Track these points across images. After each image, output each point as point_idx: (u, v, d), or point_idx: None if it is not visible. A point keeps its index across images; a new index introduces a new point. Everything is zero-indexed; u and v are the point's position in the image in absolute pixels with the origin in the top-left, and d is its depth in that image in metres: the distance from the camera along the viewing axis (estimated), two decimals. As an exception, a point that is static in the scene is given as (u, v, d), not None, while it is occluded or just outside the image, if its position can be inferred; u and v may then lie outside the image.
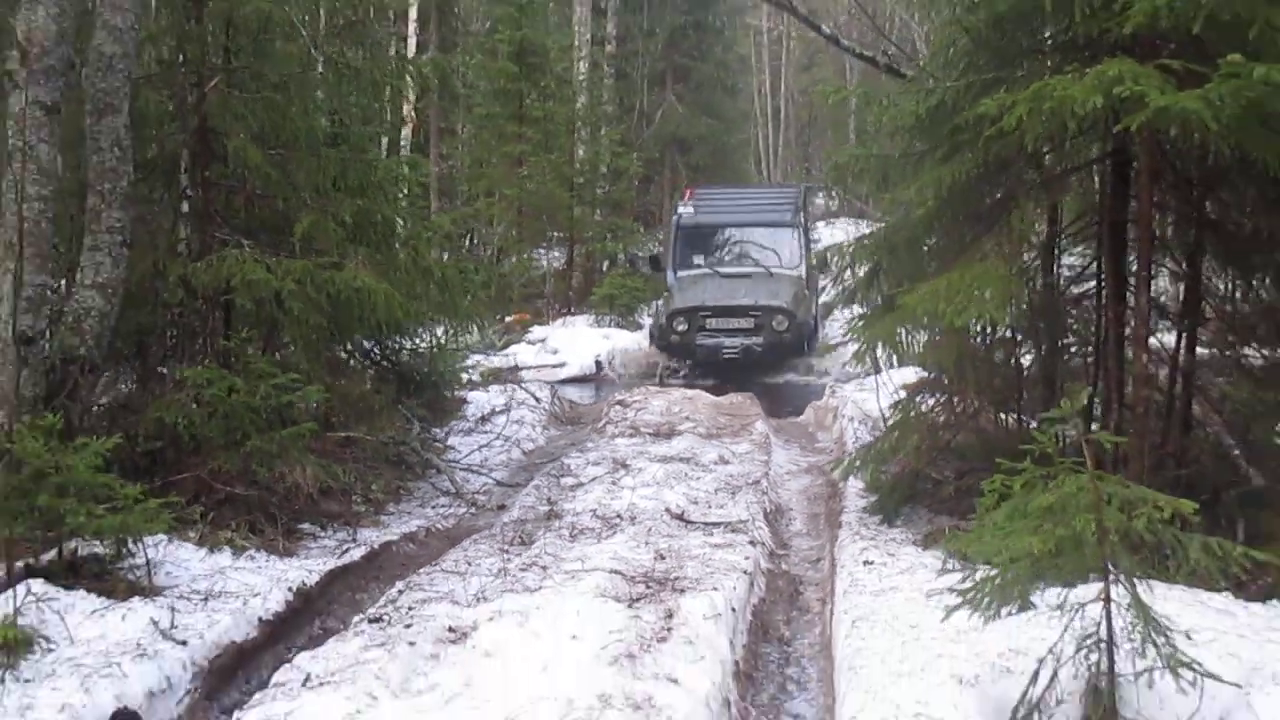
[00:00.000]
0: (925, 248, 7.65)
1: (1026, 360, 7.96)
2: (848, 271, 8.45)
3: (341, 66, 8.74)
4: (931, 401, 8.10)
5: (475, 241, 25.85)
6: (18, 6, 7.07)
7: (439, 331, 10.95)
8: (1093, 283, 7.56)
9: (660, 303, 19.06)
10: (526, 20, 23.00)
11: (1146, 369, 6.60)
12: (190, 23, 8.03)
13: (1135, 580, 3.85)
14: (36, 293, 6.92)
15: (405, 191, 10.80)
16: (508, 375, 14.28)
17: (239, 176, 8.24)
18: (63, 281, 8.10)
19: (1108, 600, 3.93)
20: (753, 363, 17.60)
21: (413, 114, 22.69)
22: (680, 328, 17.71)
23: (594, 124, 24.77)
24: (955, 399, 7.94)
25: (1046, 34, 7.06)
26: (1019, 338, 7.87)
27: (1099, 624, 4.06)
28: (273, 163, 8.11)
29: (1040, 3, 6.15)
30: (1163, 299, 8.29)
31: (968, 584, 4.24)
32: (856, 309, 8.50)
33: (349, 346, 9.23)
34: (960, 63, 7.28)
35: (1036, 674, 4.16)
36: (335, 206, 8.16)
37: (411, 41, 22.99)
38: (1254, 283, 7.63)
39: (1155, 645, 3.83)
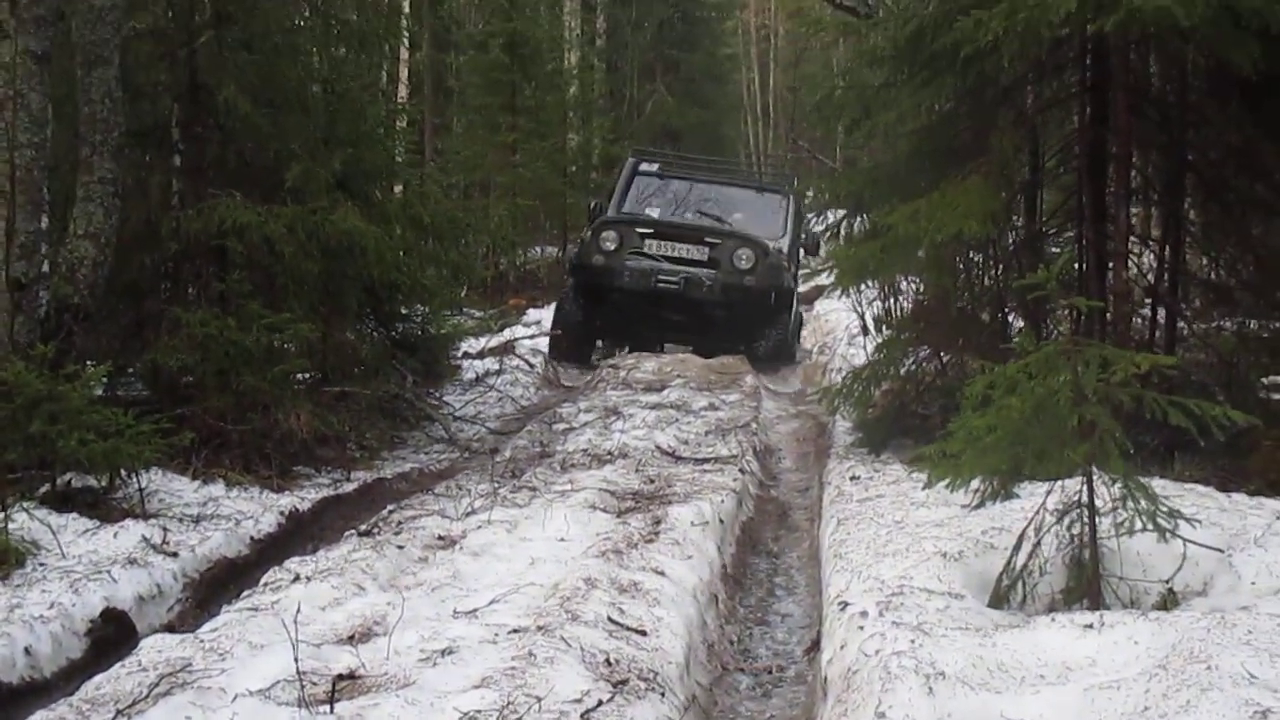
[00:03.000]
0: (907, 179, 7.57)
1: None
2: (829, 213, 8.42)
3: (332, 20, 8.66)
4: (917, 355, 8.00)
5: (470, 239, 25.75)
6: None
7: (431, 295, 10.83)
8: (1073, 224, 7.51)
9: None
10: (517, 13, 22.91)
11: (1127, 285, 6.55)
12: (178, -24, 7.94)
13: (1115, 438, 3.77)
14: (29, 239, 6.84)
15: (398, 143, 10.69)
16: (503, 349, 14.18)
17: (230, 130, 8.15)
18: (55, 233, 8.01)
19: (1089, 461, 3.85)
20: (699, 320, 13.03)
21: (406, 71, 22.52)
22: (606, 245, 12.98)
23: (586, 113, 24.72)
24: (941, 352, 7.85)
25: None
26: (1002, 285, 7.77)
27: (1080, 491, 3.99)
28: (263, 116, 8.02)
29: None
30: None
31: (948, 453, 4.17)
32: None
33: (343, 301, 9.13)
34: (934, -6, 7.22)
35: (1019, 544, 4.10)
36: (326, 156, 8.09)
37: None
38: (1235, 216, 7.57)
39: (1135, 503, 3.77)
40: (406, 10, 20.47)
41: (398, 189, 11.44)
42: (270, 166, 8.32)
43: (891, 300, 11.34)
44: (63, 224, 7.58)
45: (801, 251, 14.41)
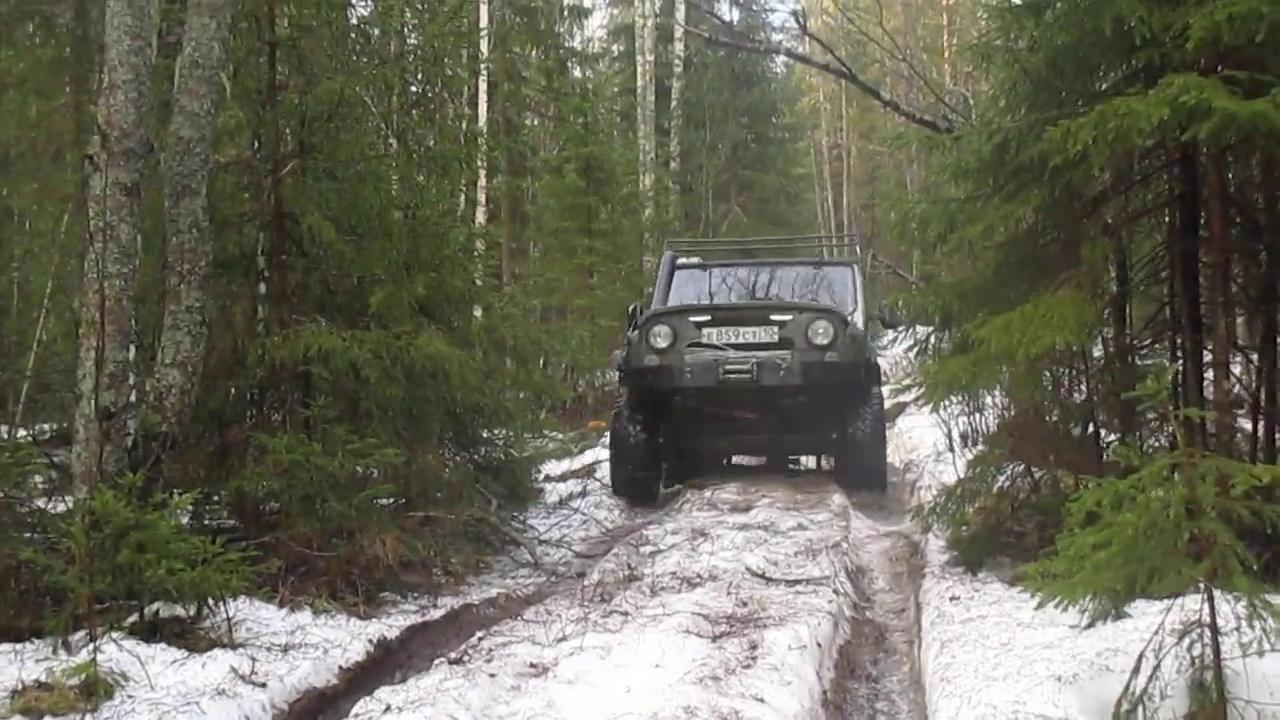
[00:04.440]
0: (995, 292, 7.46)
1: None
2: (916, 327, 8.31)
3: (412, 145, 8.79)
4: (1009, 471, 7.83)
5: (551, 361, 25.91)
6: (100, 93, 7.17)
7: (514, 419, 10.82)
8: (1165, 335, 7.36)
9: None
10: (592, 138, 23.22)
11: (1228, 395, 6.37)
12: (265, 109, 8.08)
13: (1238, 553, 3.60)
14: (118, 369, 6.89)
15: (479, 267, 10.74)
16: (585, 471, 14.12)
17: (314, 257, 8.26)
18: (143, 362, 8.10)
19: (1210, 578, 3.69)
20: (778, 414, 11.56)
21: (485, 197, 22.81)
22: (658, 342, 11.30)
23: (661, 234, 24.90)
24: (1033, 469, 7.68)
25: (1105, 70, 6.95)
26: (1094, 398, 7.61)
27: (1200, 610, 3.82)
28: (347, 242, 8.13)
29: (1101, 29, 6.04)
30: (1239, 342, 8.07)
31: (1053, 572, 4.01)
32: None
33: (427, 426, 9.11)
34: (1021, 107, 7.16)
35: (1138, 666, 3.92)
36: (408, 281, 8.15)
37: (483, 112, 23.10)
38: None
39: (1262, 620, 3.60)
40: (484, 136, 20.81)
41: (478, 312, 11.50)
42: (354, 292, 8.43)
43: (977, 416, 11.17)
44: (150, 353, 7.66)
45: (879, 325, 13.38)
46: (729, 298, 12.94)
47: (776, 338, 11.20)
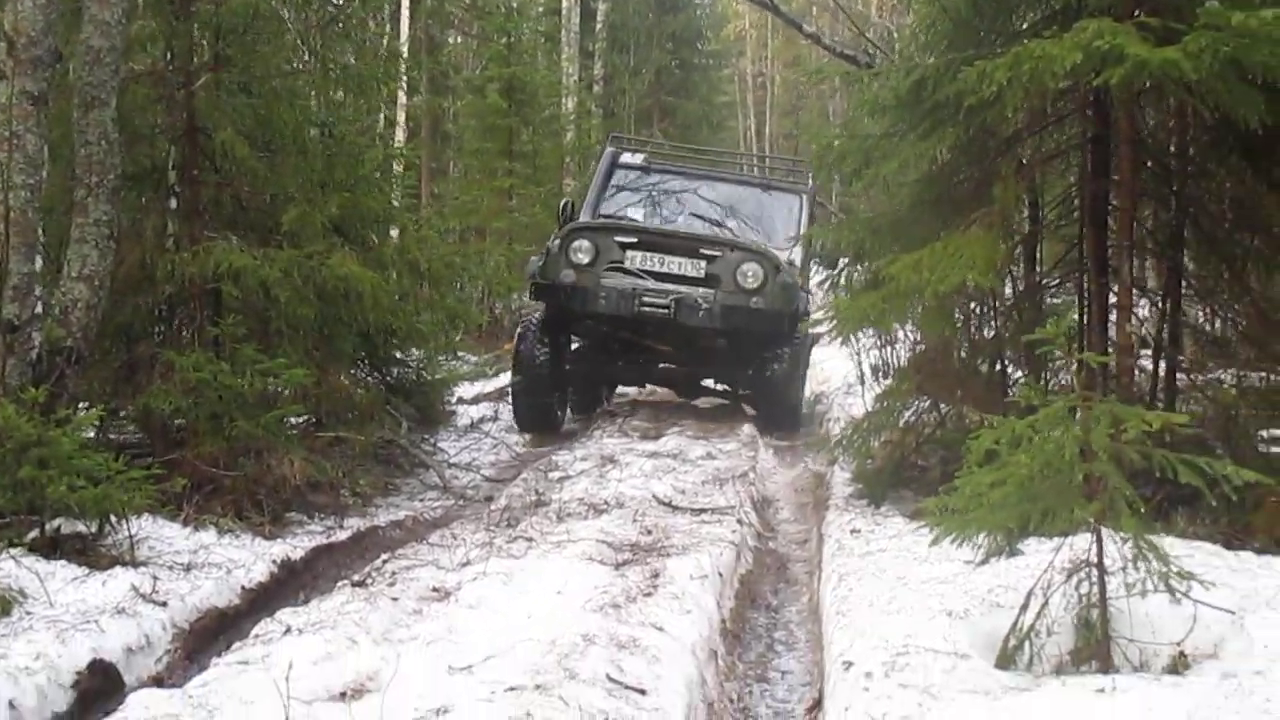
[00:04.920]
0: (909, 228, 7.53)
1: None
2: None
3: (329, 63, 8.65)
4: (916, 406, 7.92)
5: (466, 284, 25.78)
6: (5, -2, 6.99)
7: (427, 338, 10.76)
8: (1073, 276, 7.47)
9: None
10: (515, 58, 22.96)
11: (1130, 338, 6.49)
12: (178, 19, 7.90)
13: (1126, 495, 3.69)
14: (22, 281, 6.77)
15: (396, 187, 10.64)
16: (498, 394, 14.10)
17: (227, 173, 8.13)
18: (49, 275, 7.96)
19: (1099, 519, 3.78)
20: (692, 353, 11.21)
21: (405, 116, 22.52)
22: (578, 258, 10.49)
23: (582, 158, 24.75)
24: (940, 404, 7.78)
25: (1024, 10, 7.01)
26: (1003, 335, 7.71)
27: (1089, 549, 3.91)
28: (260, 159, 8.01)
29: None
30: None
31: (952, 508, 4.09)
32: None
33: (338, 346, 9.05)
34: (940, 44, 7.20)
35: (1026, 603, 4.01)
36: (322, 200, 8.06)
37: (404, 29, 22.74)
38: (1235, 268, 7.53)
39: (1147, 562, 3.69)
40: (405, 55, 20.47)
41: (394, 234, 11.41)
42: (267, 210, 8.33)
43: (889, 350, 11.27)
44: (56, 266, 7.52)
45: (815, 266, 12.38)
46: (664, 211, 12.05)
47: (703, 273, 10.49)
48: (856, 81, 7.38)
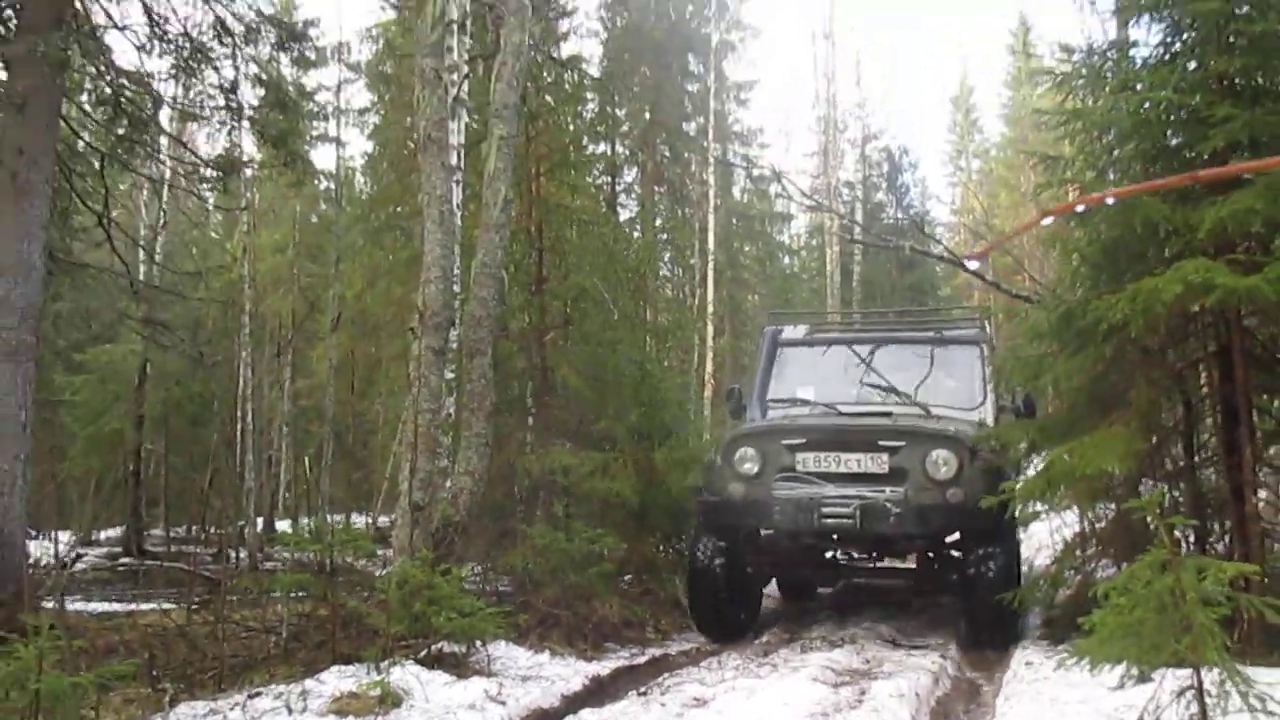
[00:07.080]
0: (1069, 427, 7.29)
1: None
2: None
3: (635, 321, 9.16)
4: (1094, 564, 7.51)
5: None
6: (420, 285, 7.79)
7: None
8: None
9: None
10: (794, 308, 23.25)
11: (1256, 506, 6.08)
12: (533, 294, 8.58)
13: (1213, 632, 3.48)
14: (426, 475, 7.38)
15: (691, 404, 10.99)
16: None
17: (566, 400, 8.63)
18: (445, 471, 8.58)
19: (1194, 650, 3.56)
20: (888, 564, 8.16)
21: (712, 353, 22.90)
22: (746, 468, 7.35)
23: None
24: (1123, 563, 7.36)
25: (1151, 255, 6.83)
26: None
27: (1191, 676, 3.68)
28: (590, 389, 8.49)
29: (1134, 228, 5.98)
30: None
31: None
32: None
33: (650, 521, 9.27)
34: (1086, 283, 7.08)
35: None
36: (627, 416, 8.44)
37: (710, 290, 23.23)
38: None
39: (1238, 689, 3.45)
40: (712, 311, 21.00)
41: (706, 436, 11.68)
42: (593, 424, 8.75)
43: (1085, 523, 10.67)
44: (451, 465, 8.13)
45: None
46: (835, 387, 8.31)
47: (887, 468, 7.10)
48: (1018, 314, 7.28)
